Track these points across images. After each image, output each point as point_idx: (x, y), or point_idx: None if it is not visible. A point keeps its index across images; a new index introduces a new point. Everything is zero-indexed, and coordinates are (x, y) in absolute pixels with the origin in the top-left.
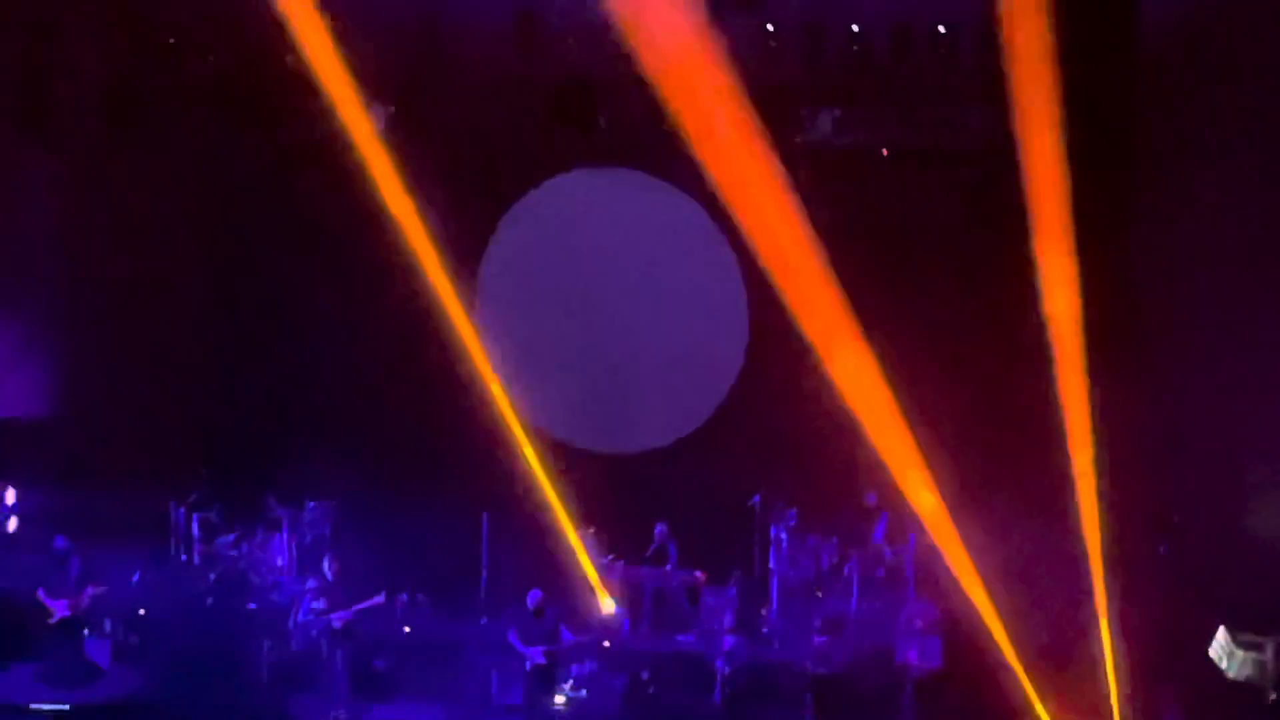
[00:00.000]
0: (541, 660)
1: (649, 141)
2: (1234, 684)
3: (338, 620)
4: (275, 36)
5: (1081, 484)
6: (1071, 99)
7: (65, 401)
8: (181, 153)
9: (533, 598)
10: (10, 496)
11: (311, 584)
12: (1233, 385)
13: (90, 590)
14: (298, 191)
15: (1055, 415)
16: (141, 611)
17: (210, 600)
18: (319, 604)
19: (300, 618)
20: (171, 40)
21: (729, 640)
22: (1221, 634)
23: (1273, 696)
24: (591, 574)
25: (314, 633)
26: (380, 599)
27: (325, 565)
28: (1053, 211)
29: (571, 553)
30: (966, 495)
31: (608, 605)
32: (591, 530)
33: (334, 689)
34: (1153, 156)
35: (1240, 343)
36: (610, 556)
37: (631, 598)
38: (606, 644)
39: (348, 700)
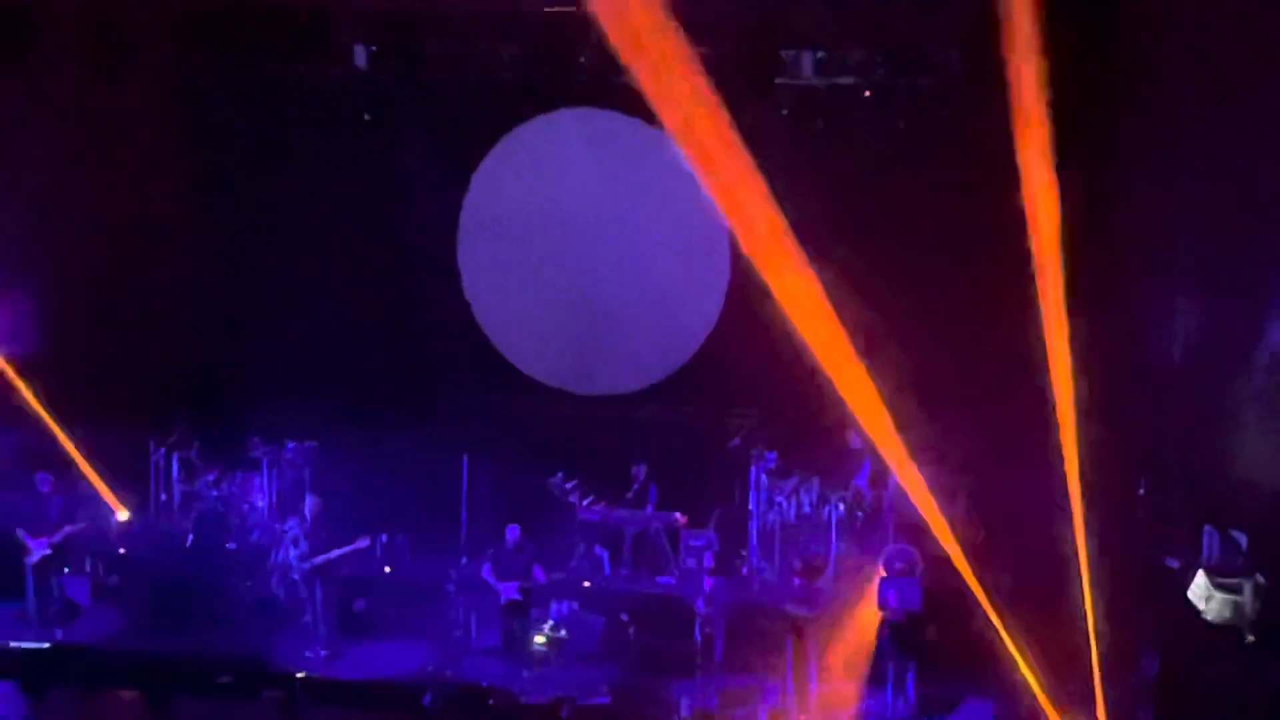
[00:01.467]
0: (516, 596)
1: (631, 81)
2: (1212, 625)
3: (319, 562)
4: None
5: (1061, 423)
6: (1054, 40)
7: (45, 339)
8: (162, 89)
9: (511, 532)
10: None
11: (291, 525)
12: (1214, 325)
13: (68, 528)
14: (279, 129)
15: (1034, 354)
16: (121, 551)
17: (190, 540)
18: (301, 547)
19: (280, 558)
20: None
21: (709, 582)
22: (1200, 576)
23: (1250, 638)
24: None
25: (294, 575)
26: (364, 543)
27: (306, 506)
28: (1034, 150)
29: None
30: (941, 435)
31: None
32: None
33: (313, 629)
34: (1136, 98)
35: (1221, 282)
36: (590, 498)
37: (611, 539)
38: (586, 584)
39: (326, 640)
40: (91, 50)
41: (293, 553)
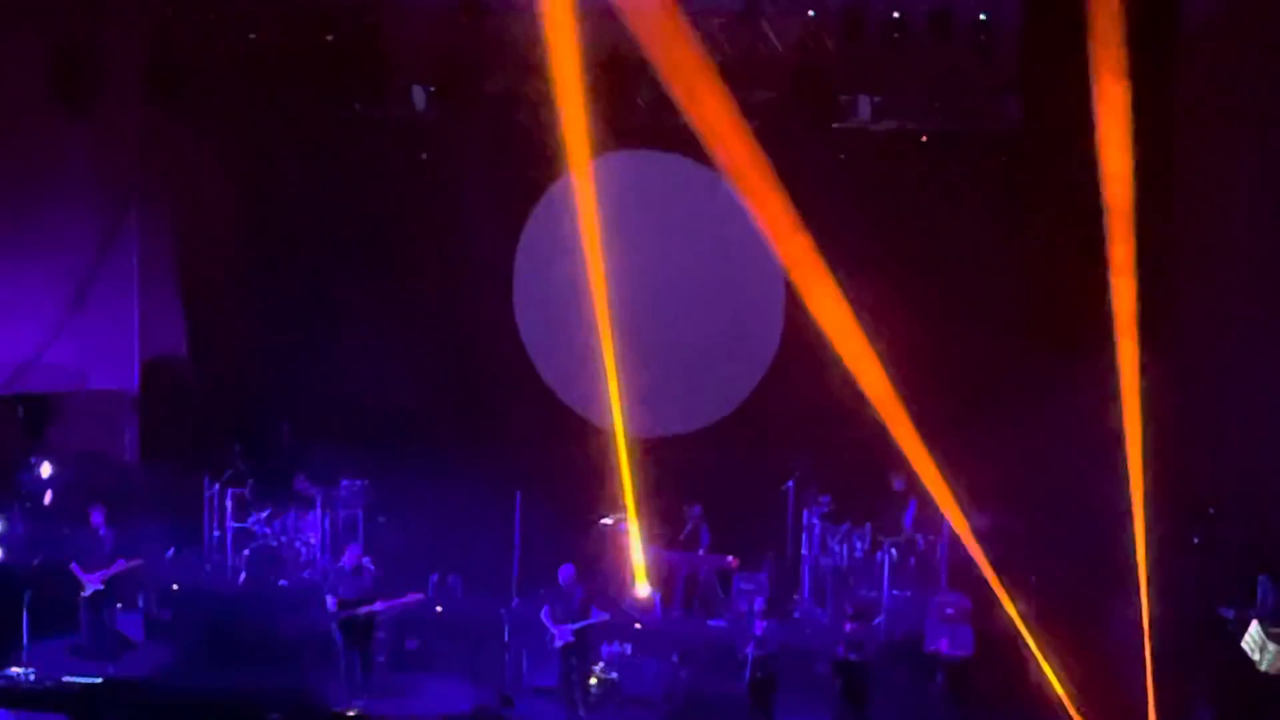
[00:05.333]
0: (570, 639)
1: (687, 123)
2: (1266, 676)
3: (374, 609)
4: (315, 15)
5: (1117, 469)
6: (1111, 83)
7: (101, 376)
8: (222, 129)
9: (564, 573)
10: (46, 469)
11: (345, 563)
12: (1271, 375)
13: (122, 563)
14: (336, 168)
15: (1089, 402)
16: (174, 587)
17: (242, 577)
18: (340, 594)
19: (330, 604)
20: (212, 17)
21: (760, 625)
22: (1255, 626)
23: None
24: (635, 560)
25: (331, 624)
26: (418, 596)
27: (347, 554)
28: (1090, 198)
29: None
30: (996, 480)
31: (643, 590)
32: (621, 516)
33: (351, 677)
34: (1194, 140)
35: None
36: (643, 540)
37: (664, 581)
38: (639, 626)
39: (363, 687)
40: (152, 89)
41: (330, 600)
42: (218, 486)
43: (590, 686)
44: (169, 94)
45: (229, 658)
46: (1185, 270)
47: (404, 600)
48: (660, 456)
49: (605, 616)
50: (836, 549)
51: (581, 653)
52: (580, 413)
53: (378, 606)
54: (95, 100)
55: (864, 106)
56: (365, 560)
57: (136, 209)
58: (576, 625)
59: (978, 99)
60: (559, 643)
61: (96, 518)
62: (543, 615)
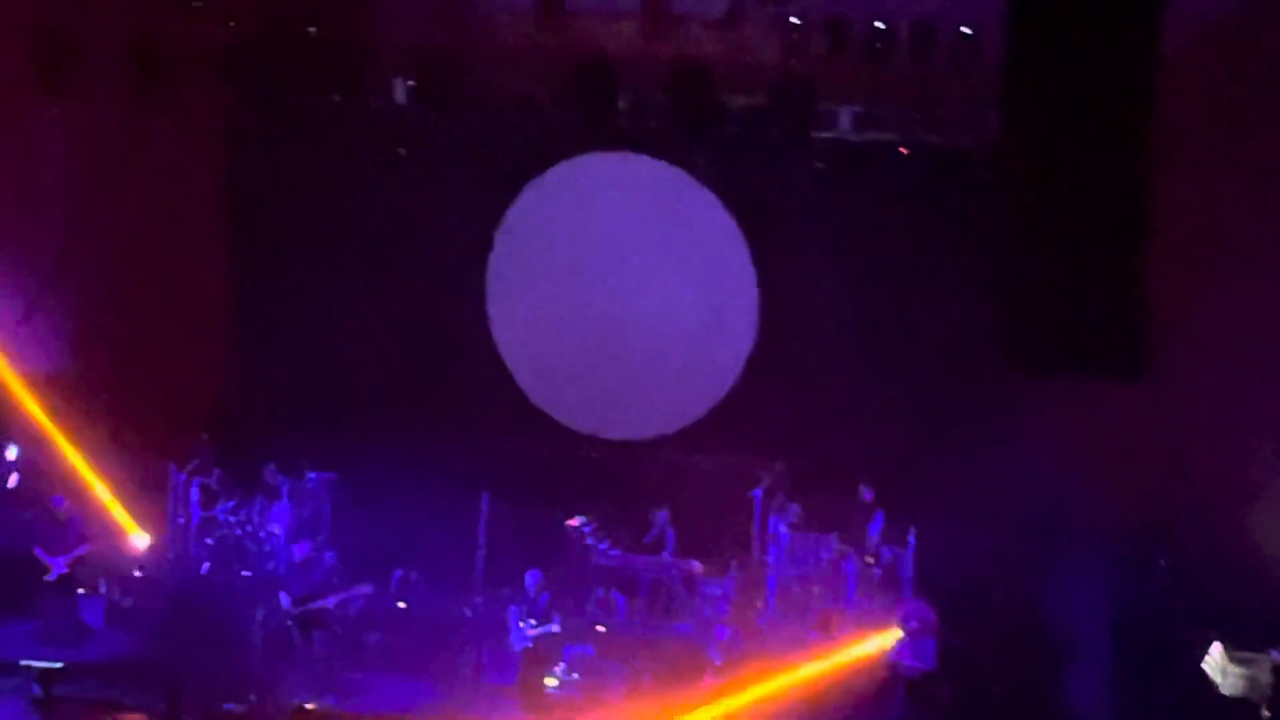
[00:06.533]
0: (529, 644)
1: (666, 125)
2: (1228, 700)
3: (313, 608)
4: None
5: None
6: (1088, 97)
7: (71, 360)
8: (200, 118)
9: (531, 578)
10: (11, 453)
11: (298, 554)
12: (1237, 395)
13: (83, 549)
14: (313, 160)
15: (1052, 420)
16: (137, 573)
17: (206, 566)
18: (298, 590)
19: (283, 600)
20: (197, 4)
21: (723, 631)
22: (1217, 649)
23: (1266, 714)
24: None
25: (288, 621)
26: (367, 589)
27: (295, 550)
28: (1066, 213)
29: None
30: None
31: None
32: (588, 518)
33: (310, 672)
34: (1168, 156)
35: (1248, 350)
36: (607, 542)
37: (628, 584)
38: (601, 629)
39: (321, 684)
40: (130, 76)
41: (283, 596)
42: (184, 475)
43: (545, 689)
44: (148, 82)
45: (190, 646)
46: (1158, 288)
47: (353, 593)
48: (629, 459)
49: (559, 631)
50: (802, 558)
51: (541, 657)
52: (551, 414)
53: (329, 601)
54: (75, 87)
55: (845, 117)
56: (328, 554)
57: (112, 194)
58: (534, 631)
59: (958, 113)
60: (518, 646)
61: (60, 504)
62: (510, 615)
